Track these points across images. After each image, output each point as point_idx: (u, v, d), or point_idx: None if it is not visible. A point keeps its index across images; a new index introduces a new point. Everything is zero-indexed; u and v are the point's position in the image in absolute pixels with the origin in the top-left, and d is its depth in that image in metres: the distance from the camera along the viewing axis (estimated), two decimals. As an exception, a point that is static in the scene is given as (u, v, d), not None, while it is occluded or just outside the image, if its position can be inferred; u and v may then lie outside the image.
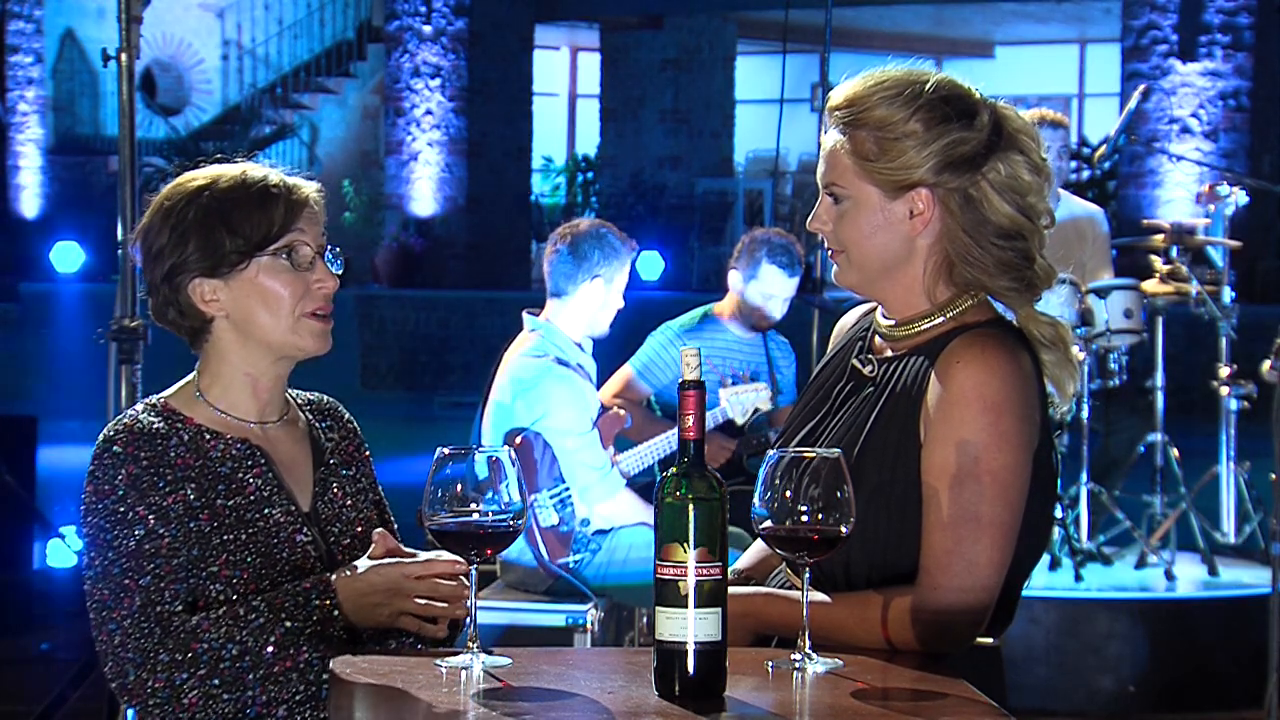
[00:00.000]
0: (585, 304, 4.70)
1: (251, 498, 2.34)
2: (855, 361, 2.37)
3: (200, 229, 2.34)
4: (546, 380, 4.58)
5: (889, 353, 2.35)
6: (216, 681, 2.18)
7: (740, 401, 5.06)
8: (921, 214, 2.28)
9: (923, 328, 2.31)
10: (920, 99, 2.26)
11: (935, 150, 2.25)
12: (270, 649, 2.20)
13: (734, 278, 5.54)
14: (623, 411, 4.88)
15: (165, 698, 2.18)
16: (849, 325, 2.52)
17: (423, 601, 2.25)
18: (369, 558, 2.32)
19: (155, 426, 2.32)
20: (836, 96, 2.31)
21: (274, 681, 2.20)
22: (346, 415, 2.56)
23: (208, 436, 2.35)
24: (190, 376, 2.43)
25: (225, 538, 2.30)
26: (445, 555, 2.24)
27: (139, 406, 2.38)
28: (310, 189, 2.41)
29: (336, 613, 2.24)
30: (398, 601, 2.26)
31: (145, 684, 2.19)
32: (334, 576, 2.28)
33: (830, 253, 2.36)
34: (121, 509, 2.26)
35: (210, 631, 2.20)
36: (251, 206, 2.35)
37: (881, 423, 2.27)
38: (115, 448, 2.29)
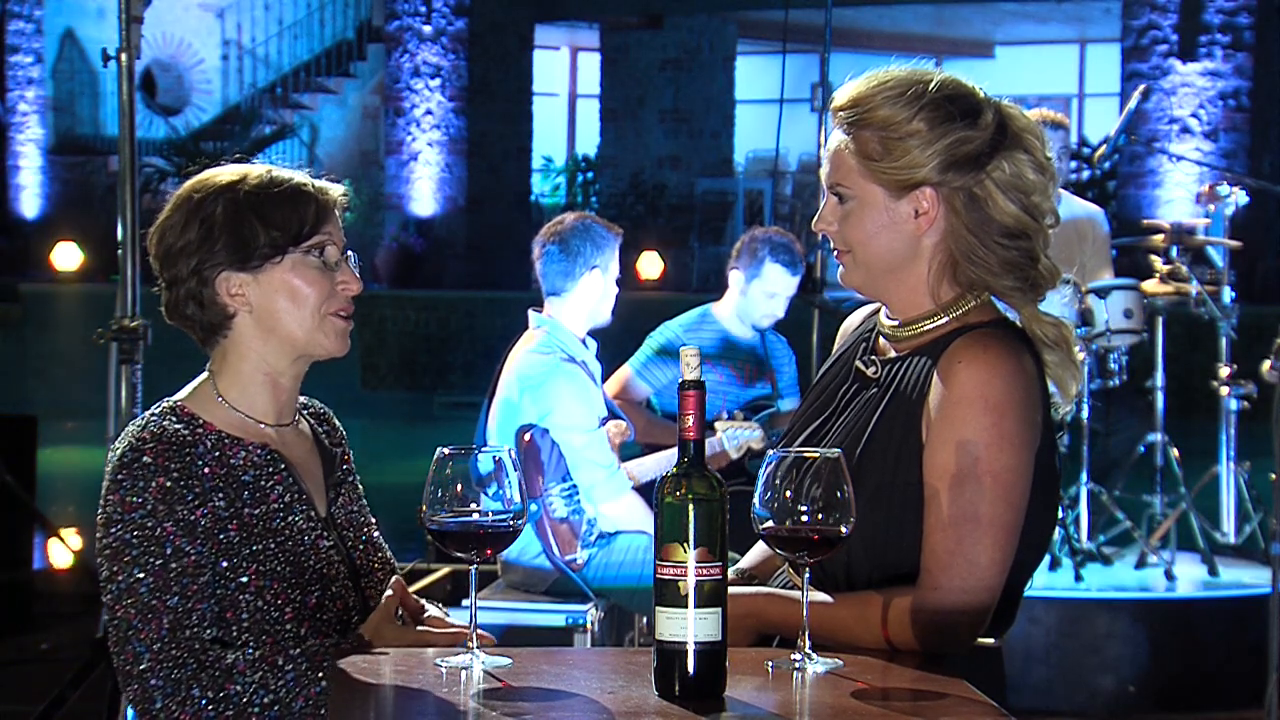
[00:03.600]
0: (585, 297, 4.71)
1: (275, 505, 2.32)
2: (859, 363, 2.38)
3: (231, 223, 2.33)
4: (554, 377, 4.58)
5: (892, 353, 2.35)
6: None
7: (736, 437, 5.07)
8: (926, 213, 2.28)
9: (926, 328, 2.31)
10: (924, 98, 2.26)
11: (939, 149, 2.26)
12: (300, 702, 2.18)
13: (735, 277, 5.54)
14: (625, 424, 4.89)
15: None
16: (853, 326, 2.52)
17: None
18: (388, 613, 2.31)
19: (182, 434, 2.29)
20: (841, 97, 2.31)
21: None
22: (337, 422, 2.56)
23: (229, 442, 2.33)
24: (204, 377, 2.40)
25: (255, 547, 2.28)
26: (461, 623, 2.28)
27: (158, 411, 2.34)
28: (337, 192, 2.42)
29: None
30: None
31: (172, 713, 2.17)
32: (367, 636, 2.27)
33: (836, 253, 2.36)
34: (150, 524, 2.22)
35: (246, 674, 2.18)
36: (284, 202, 2.34)
37: (884, 423, 2.27)
38: (145, 458, 2.25)
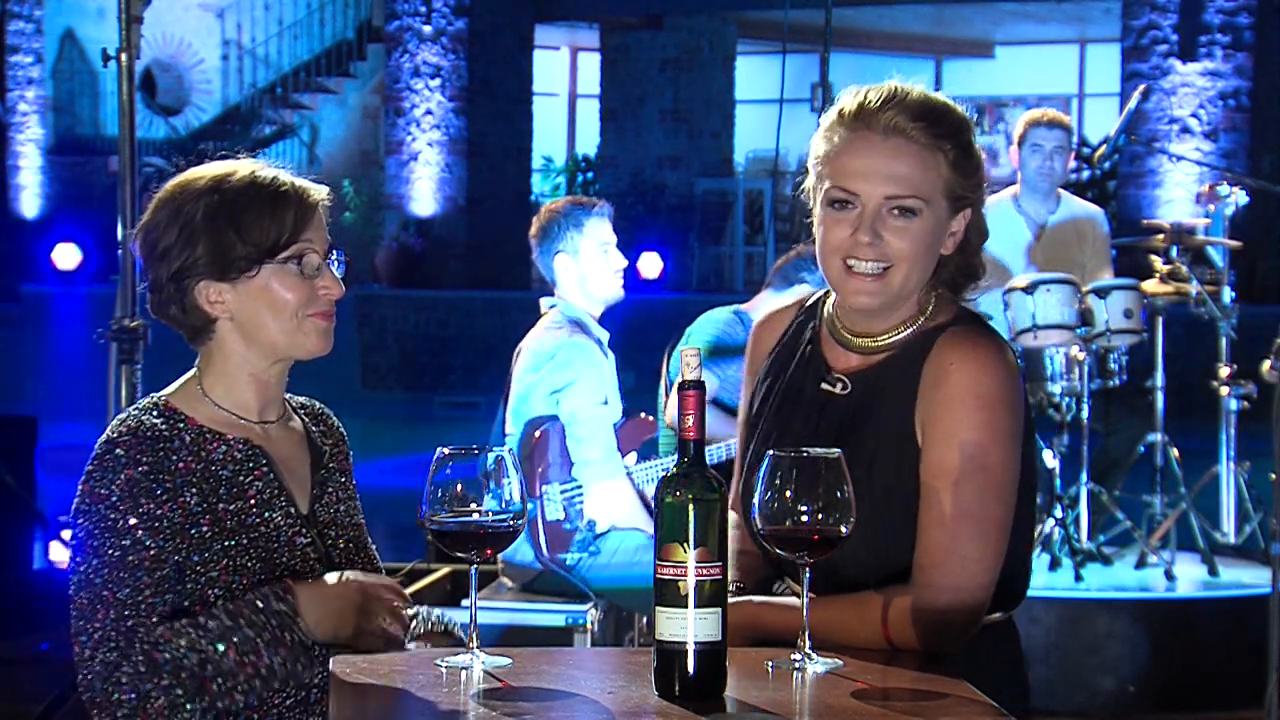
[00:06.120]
0: (567, 280, 4.72)
1: (252, 501, 2.33)
2: (825, 385, 2.37)
3: (210, 231, 2.32)
4: (566, 349, 4.61)
5: (854, 361, 2.35)
6: (180, 691, 2.16)
7: None
8: (955, 234, 2.32)
9: (904, 335, 2.33)
10: (971, 124, 2.32)
11: (984, 172, 2.33)
12: (231, 654, 2.18)
13: (805, 289, 5.51)
14: (650, 418, 4.89)
15: (133, 708, 2.16)
16: (772, 342, 2.48)
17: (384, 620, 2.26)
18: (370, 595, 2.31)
19: (158, 429, 2.29)
20: (913, 106, 2.28)
21: (239, 689, 2.18)
22: (336, 421, 2.56)
23: (210, 437, 2.33)
24: (191, 373, 2.41)
25: (226, 543, 2.29)
26: (393, 584, 2.28)
27: (140, 406, 2.35)
28: (320, 194, 2.39)
29: (296, 617, 2.21)
30: (358, 616, 2.25)
31: (111, 696, 2.17)
32: (288, 580, 2.26)
33: (875, 275, 2.29)
34: (112, 516, 2.23)
35: (172, 641, 2.18)
36: (263, 210, 2.33)
37: (875, 431, 2.27)
38: (117, 450, 2.26)
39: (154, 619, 2.21)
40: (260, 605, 2.21)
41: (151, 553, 2.23)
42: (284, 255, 2.34)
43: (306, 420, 2.50)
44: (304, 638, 2.22)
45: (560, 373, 4.57)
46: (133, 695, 2.16)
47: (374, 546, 2.51)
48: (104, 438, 2.30)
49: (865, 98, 2.29)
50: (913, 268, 2.29)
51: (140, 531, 2.23)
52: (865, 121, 2.28)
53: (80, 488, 2.27)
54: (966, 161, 2.29)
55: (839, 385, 2.35)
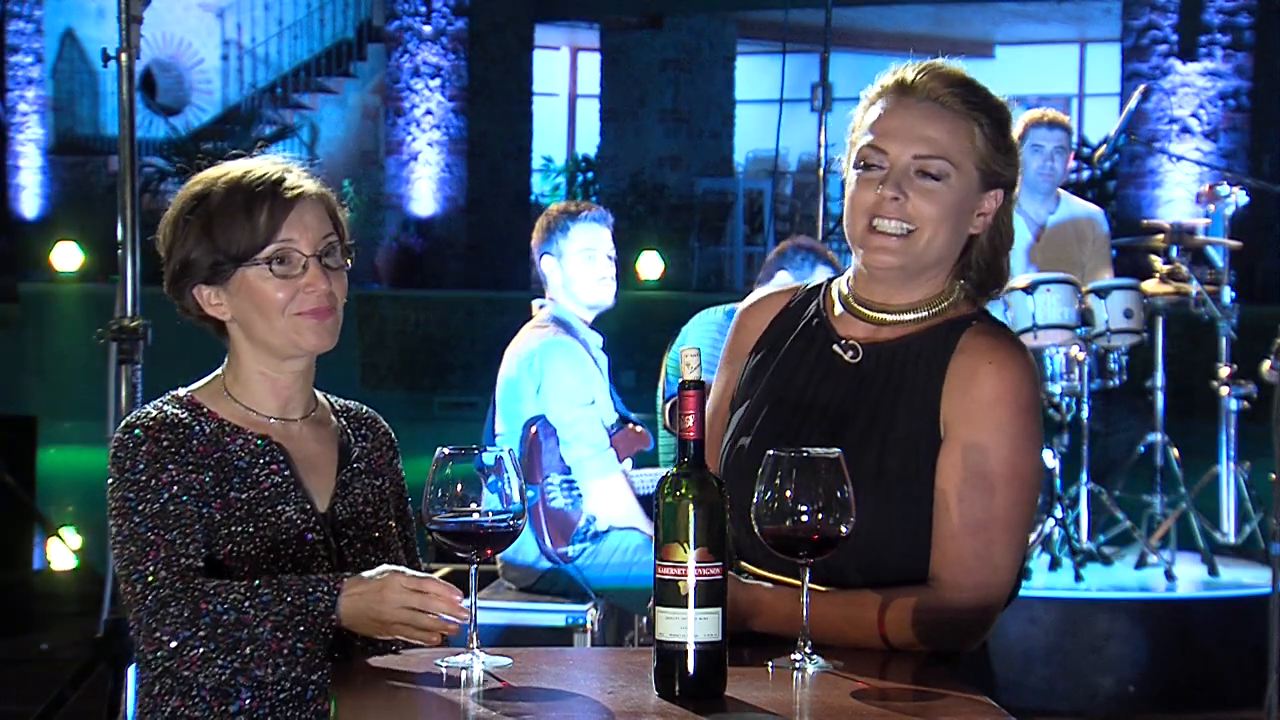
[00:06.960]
0: (554, 284, 4.76)
1: (266, 493, 2.35)
2: (836, 349, 2.36)
3: (192, 236, 2.37)
4: (547, 349, 4.62)
5: (867, 331, 2.34)
6: (214, 645, 2.18)
7: None
8: (985, 214, 2.32)
9: (922, 314, 2.32)
10: (1008, 108, 2.34)
11: (1019, 160, 2.33)
12: (269, 625, 2.18)
13: (784, 279, 5.48)
14: (640, 429, 4.87)
15: (173, 651, 2.19)
16: (762, 324, 2.44)
17: (410, 612, 2.15)
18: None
19: (179, 417, 2.35)
20: (952, 76, 2.31)
21: (264, 661, 2.18)
22: (385, 426, 2.55)
23: (228, 430, 2.38)
24: (218, 371, 2.46)
25: (234, 529, 2.31)
26: (440, 583, 2.17)
27: (164, 399, 2.41)
28: (307, 187, 2.40)
29: (332, 612, 2.19)
30: (388, 609, 2.15)
31: (154, 633, 2.20)
32: (345, 576, 2.23)
33: (899, 235, 2.27)
34: (144, 477, 2.28)
35: (220, 595, 2.20)
36: (235, 214, 2.35)
37: (894, 411, 2.27)
38: (136, 430, 2.32)
39: (201, 563, 2.26)
40: (309, 590, 2.20)
41: (189, 507, 2.29)
42: (259, 258, 2.35)
43: (344, 422, 2.50)
44: (330, 634, 2.20)
45: (540, 372, 4.59)
46: (173, 641, 2.19)
47: (399, 551, 2.47)
48: (125, 422, 2.36)
49: (906, 69, 2.32)
50: (936, 233, 2.27)
51: (175, 487, 2.29)
52: (903, 89, 2.30)
53: (108, 471, 2.32)
54: (1001, 139, 2.30)
55: (850, 353, 2.33)
